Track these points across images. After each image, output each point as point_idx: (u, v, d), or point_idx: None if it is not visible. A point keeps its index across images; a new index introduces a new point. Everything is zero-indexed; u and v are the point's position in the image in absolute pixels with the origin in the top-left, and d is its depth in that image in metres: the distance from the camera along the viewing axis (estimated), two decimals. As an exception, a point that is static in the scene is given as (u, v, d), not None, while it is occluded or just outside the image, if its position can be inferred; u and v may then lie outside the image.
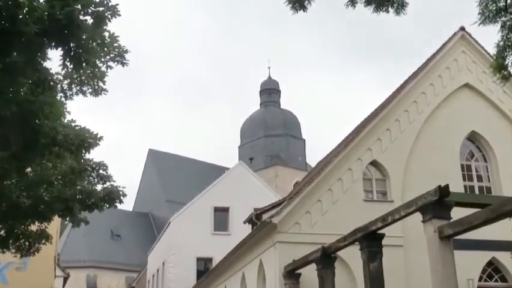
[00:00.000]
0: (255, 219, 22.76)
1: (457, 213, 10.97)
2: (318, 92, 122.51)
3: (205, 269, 35.41)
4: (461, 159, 21.16)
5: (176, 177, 62.14)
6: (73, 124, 12.61)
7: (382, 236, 13.23)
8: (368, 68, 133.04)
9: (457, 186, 18.38)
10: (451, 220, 10.90)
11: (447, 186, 10.93)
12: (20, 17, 8.26)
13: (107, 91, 12.06)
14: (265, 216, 20.59)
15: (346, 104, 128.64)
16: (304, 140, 69.41)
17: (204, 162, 67.94)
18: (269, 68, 74.33)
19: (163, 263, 39.18)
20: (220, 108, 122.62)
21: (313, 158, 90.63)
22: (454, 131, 21.27)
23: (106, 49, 9.97)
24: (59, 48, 9.13)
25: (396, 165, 20.24)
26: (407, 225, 17.02)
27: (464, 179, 20.82)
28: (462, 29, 22.73)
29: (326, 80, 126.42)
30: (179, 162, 65.51)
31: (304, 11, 9.28)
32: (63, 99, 12.18)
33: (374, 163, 20.30)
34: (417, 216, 11.64)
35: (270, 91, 72.24)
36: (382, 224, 12.72)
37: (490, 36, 10.25)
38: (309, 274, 16.94)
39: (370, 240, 13.14)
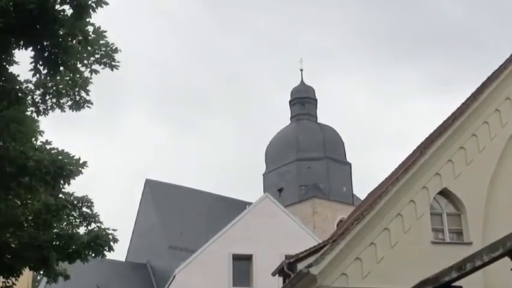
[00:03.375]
0: (288, 269, 22.58)
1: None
2: (361, 101, 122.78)
3: (222, 337, 35.12)
4: (561, 186, 20.83)
5: (181, 216, 62.14)
6: (48, 147, 12.70)
7: (458, 289, 13.02)
8: (421, 67, 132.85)
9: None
10: (552, 267, 10.69)
11: (545, 221, 10.74)
12: (-21, 8, 8.38)
13: (91, 103, 12.18)
14: (300, 266, 20.42)
15: (400, 115, 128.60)
16: (350, 164, 69.16)
17: (218, 196, 67.88)
18: (301, 70, 74.40)
19: (167, 330, 39.00)
20: (236, 126, 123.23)
21: (361, 187, 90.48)
22: (551, 148, 20.97)
23: (90, 48, 10.07)
24: (30, 48, 9.25)
25: (474, 194, 19.98)
26: (491, 274, 16.75)
27: None
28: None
29: (369, 84, 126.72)
30: (186, 196, 65.53)
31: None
32: (34, 114, 12.31)
33: (445, 193, 20.06)
34: (505, 262, 11.44)
35: (303, 100, 72.26)
36: (458, 274, 12.51)
37: None
38: None
39: (442, 295, 12.93)
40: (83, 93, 11.85)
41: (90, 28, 9.73)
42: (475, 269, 12.24)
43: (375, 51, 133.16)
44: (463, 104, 23.64)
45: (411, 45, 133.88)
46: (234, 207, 55.99)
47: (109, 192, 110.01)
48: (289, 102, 73.49)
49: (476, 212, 19.87)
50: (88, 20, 9.46)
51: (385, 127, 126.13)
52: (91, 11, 9.16)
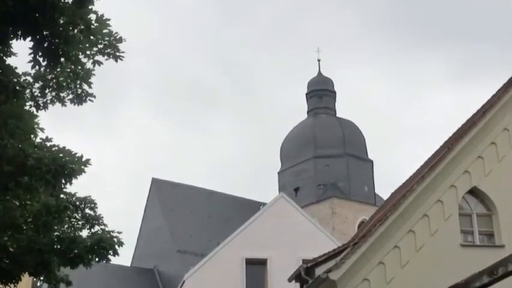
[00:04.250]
0: (305, 275, 22.58)
1: None
2: (382, 93, 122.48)
3: None
4: None
5: (191, 217, 62.23)
6: (48, 144, 12.75)
7: (490, 296, 12.98)
8: (445, 56, 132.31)
9: None
10: None
11: None
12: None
13: (94, 97, 12.22)
14: (319, 271, 20.41)
15: (425, 108, 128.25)
16: (372, 161, 69.03)
17: (229, 196, 67.94)
18: (319, 61, 74.25)
19: None
20: (248, 121, 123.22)
21: (384, 186, 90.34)
22: None
23: (92, 37, 10.09)
24: (28, 39, 9.26)
25: (506, 193, 19.88)
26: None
27: None
28: None
29: (391, 75, 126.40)
30: (195, 196, 65.61)
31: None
32: (33, 109, 12.34)
33: (475, 192, 19.99)
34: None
35: (320, 93, 72.13)
36: (490, 279, 12.46)
37: None
38: None
39: (472, 302, 12.89)
40: (85, 86, 11.89)
41: (92, 16, 9.75)
42: (508, 274, 12.19)
43: (397, 40, 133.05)
44: (493, 96, 23.54)
45: (434, 32, 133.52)
46: (247, 208, 56.00)
47: (113, 192, 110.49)
48: (306, 95, 73.38)
49: (508, 213, 19.78)
50: (90, 7, 9.48)
51: (408, 121, 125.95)
52: (93, -2, 9.20)
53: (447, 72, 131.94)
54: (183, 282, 39.04)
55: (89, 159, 12.48)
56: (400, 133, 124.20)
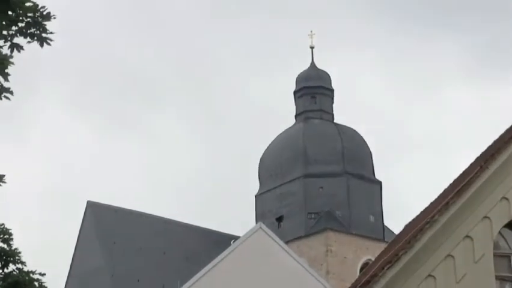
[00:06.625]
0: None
1: None
2: (390, 93, 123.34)
3: None
4: None
5: (139, 254, 62.13)
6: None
7: None
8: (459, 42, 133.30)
9: None
10: None
11: None
12: None
13: (11, 93, 12.18)
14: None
15: (441, 110, 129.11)
16: (381, 183, 69.20)
17: (191, 227, 67.93)
18: (312, 48, 74.54)
19: None
20: (215, 127, 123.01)
21: (396, 216, 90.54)
22: None
23: (10, 13, 10.06)
24: None
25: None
26: None
27: None
28: None
29: (398, 68, 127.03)
30: (145, 226, 65.53)
31: None
32: None
33: (515, 225, 20.16)
34: None
35: (314, 91, 72.31)
36: None
37: None
38: None
39: None
40: (0, 79, 11.85)
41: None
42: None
43: (408, 22, 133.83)
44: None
45: (449, 16, 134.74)
46: (215, 242, 56.04)
47: (34, 220, 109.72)
48: (294, 93, 73.51)
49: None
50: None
51: (426, 129, 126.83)
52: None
53: (466, 63, 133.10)
54: None
55: (3, 176, 12.45)
56: (417, 144, 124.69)
